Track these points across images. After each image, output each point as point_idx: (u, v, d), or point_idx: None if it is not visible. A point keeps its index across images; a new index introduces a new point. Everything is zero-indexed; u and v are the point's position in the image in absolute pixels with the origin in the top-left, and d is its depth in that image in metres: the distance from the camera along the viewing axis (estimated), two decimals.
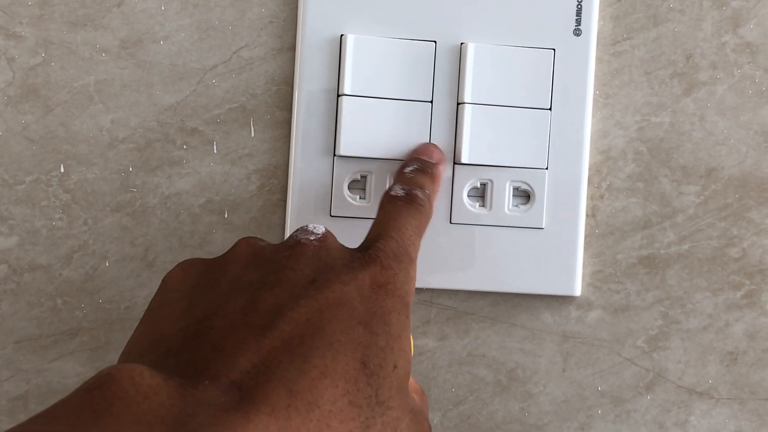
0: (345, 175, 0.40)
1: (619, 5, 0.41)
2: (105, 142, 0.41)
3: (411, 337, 0.33)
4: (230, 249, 0.31)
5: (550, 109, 0.40)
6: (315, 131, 0.40)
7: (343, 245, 0.31)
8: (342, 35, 0.40)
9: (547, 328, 0.42)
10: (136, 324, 0.30)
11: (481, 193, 0.41)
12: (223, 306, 0.27)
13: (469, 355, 0.42)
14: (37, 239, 0.41)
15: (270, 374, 0.25)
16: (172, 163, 0.41)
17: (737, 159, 0.42)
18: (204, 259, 0.31)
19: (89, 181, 0.41)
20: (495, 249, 0.41)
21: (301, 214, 0.40)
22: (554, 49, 0.40)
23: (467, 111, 0.40)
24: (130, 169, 0.41)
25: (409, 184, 0.35)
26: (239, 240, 0.31)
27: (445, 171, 0.40)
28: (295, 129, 0.40)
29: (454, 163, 0.40)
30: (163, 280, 0.31)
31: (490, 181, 0.40)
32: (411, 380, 0.33)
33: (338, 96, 0.40)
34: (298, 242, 0.30)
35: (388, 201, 0.34)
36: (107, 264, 0.41)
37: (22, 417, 0.41)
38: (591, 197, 0.42)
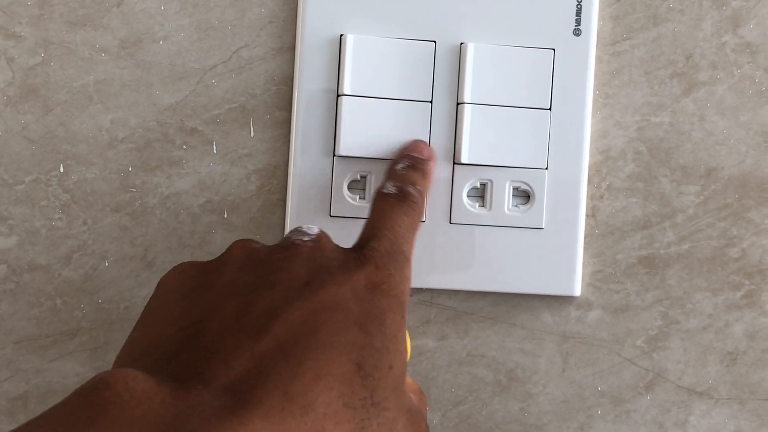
0: (345, 175, 0.40)
1: (618, 5, 0.41)
2: (104, 142, 0.40)
3: (408, 336, 0.33)
4: (225, 251, 0.31)
5: (549, 109, 0.40)
6: (315, 131, 0.40)
7: (337, 245, 0.31)
8: (342, 35, 0.40)
9: (547, 328, 0.42)
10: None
11: (480, 193, 0.41)
12: (217, 309, 0.27)
13: (469, 355, 0.42)
14: (36, 239, 0.41)
15: (264, 378, 0.25)
16: (171, 163, 0.41)
17: (737, 159, 0.42)
18: (199, 262, 0.31)
19: (89, 181, 0.41)
20: (495, 249, 0.41)
21: (300, 214, 0.40)
22: (554, 49, 0.40)
23: (467, 111, 0.40)
24: (130, 169, 0.41)
25: (401, 181, 0.35)
26: (234, 242, 0.31)
27: (441, 169, 0.40)
28: (294, 129, 0.40)
29: (454, 163, 0.40)
30: (158, 283, 0.31)
31: (490, 181, 0.40)
32: (409, 380, 0.33)
33: (338, 96, 0.40)
34: (292, 244, 0.30)
35: (380, 199, 0.34)
36: (107, 264, 0.41)
37: (22, 417, 0.41)
38: (591, 197, 0.42)
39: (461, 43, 0.40)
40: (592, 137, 0.41)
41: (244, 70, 0.41)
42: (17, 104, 0.40)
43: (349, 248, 0.31)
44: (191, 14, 0.40)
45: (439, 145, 0.40)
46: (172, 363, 0.26)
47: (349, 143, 0.39)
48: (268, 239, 0.41)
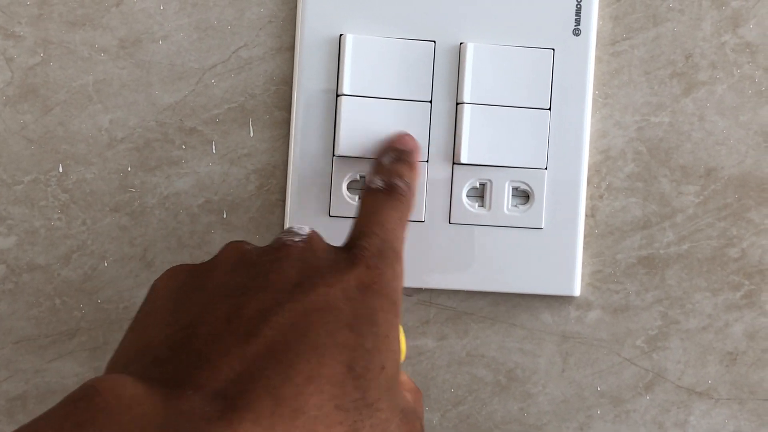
0: (344, 175, 0.40)
1: (618, 5, 0.41)
2: (104, 141, 0.40)
3: (402, 335, 0.33)
4: (217, 253, 0.31)
5: (549, 109, 0.40)
6: (314, 131, 0.40)
7: (328, 245, 0.31)
8: (341, 35, 0.40)
9: (547, 328, 0.42)
10: None
11: (480, 193, 0.41)
12: (208, 313, 0.27)
13: (469, 355, 0.42)
14: (35, 239, 0.41)
15: (254, 382, 0.24)
16: (170, 163, 0.41)
17: (737, 159, 0.42)
18: (191, 265, 0.31)
19: (88, 181, 0.41)
20: (494, 249, 0.41)
21: (299, 214, 0.40)
22: (553, 49, 0.40)
23: (466, 111, 0.40)
24: (129, 169, 0.41)
25: (388, 175, 0.34)
26: (225, 244, 0.31)
27: (440, 169, 0.40)
28: (294, 129, 0.40)
29: (453, 163, 0.40)
30: (151, 287, 0.31)
31: (490, 181, 0.40)
32: (405, 378, 0.33)
33: (337, 96, 0.40)
34: (283, 245, 0.30)
35: (368, 194, 0.33)
36: (106, 264, 0.41)
37: (21, 417, 0.41)
38: (590, 197, 0.42)
39: (461, 43, 0.40)
40: (591, 137, 0.41)
41: (243, 70, 0.41)
42: (16, 104, 0.40)
43: (340, 247, 0.31)
44: (190, 14, 0.40)
45: (438, 145, 0.40)
46: (163, 368, 0.25)
47: (349, 143, 0.39)
48: (268, 239, 0.41)
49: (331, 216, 0.40)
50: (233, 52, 0.41)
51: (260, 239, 0.41)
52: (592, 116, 0.41)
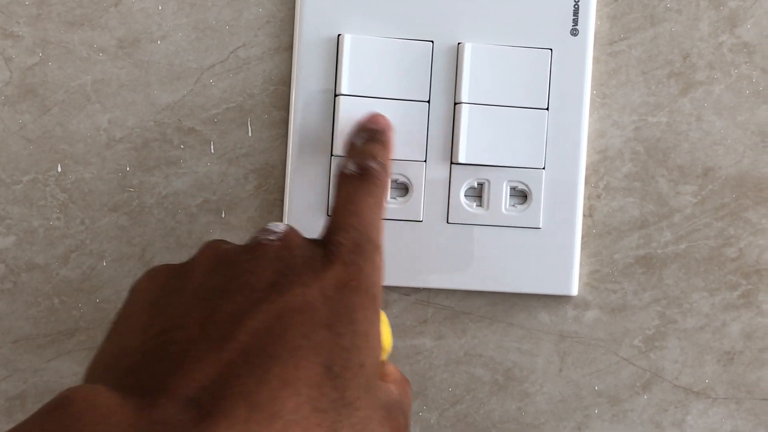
0: None
1: (616, 5, 0.41)
2: (102, 141, 0.41)
3: (387, 326, 0.32)
4: (196, 254, 0.30)
5: (547, 108, 0.40)
6: (312, 131, 0.40)
7: (305, 241, 0.30)
8: (339, 35, 0.40)
9: (544, 328, 0.42)
10: None
11: (478, 193, 0.41)
12: (184, 317, 0.27)
13: (466, 355, 0.42)
14: (34, 239, 0.41)
15: (228, 388, 0.24)
16: (169, 162, 0.41)
17: (734, 159, 0.42)
18: (170, 266, 0.30)
19: (86, 181, 0.41)
20: (492, 249, 0.41)
21: (298, 214, 0.40)
22: (551, 49, 0.40)
23: (464, 111, 0.40)
24: (128, 168, 0.41)
25: (361, 157, 0.34)
26: (203, 244, 0.31)
27: (438, 169, 0.40)
28: (292, 129, 0.40)
29: (451, 163, 0.40)
30: (130, 290, 0.30)
31: (487, 180, 0.40)
32: (391, 369, 0.32)
33: (335, 96, 0.40)
34: (258, 244, 0.29)
35: (342, 180, 0.33)
36: (104, 263, 0.41)
37: (20, 416, 0.41)
38: (588, 197, 0.42)
39: (458, 43, 0.40)
40: (589, 137, 0.41)
41: (241, 70, 0.41)
42: (15, 104, 0.40)
43: (318, 241, 0.30)
44: (189, 14, 0.40)
45: (436, 144, 0.40)
46: (137, 376, 0.25)
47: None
48: None
49: (330, 216, 0.40)
50: (231, 52, 0.41)
51: None
52: (590, 116, 0.41)
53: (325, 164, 0.40)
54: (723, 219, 0.42)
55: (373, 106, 0.39)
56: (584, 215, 0.42)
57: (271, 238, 0.29)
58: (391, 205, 0.40)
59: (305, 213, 0.40)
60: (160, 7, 0.40)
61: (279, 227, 0.30)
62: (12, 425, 0.41)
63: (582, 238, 0.41)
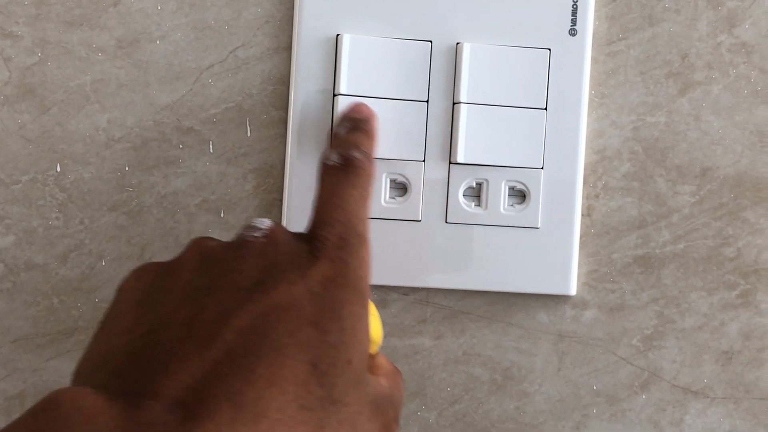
0: None
1: (614, 5, 0.41)
2: (101, 141, 0.41)
3: (377, 319, 0.32)
4: (182, 251, 0.30)
5: (545, 108, 0.40)
6: (311, 131, 0.40)
7: (291, 236, 0.30)
8: (338, 35, 0.40)
9: (543, 328, 0.42)
10: None
11: (476, 193, 0.41)
12: (170, 317, 0.27)
13: (465, 354, 0.42)
14: (33, 238, 0.41)
15: (214, 388, 0.24)
16: (168, 162, 0.41)
17: (732, 159, 0.42)
18: (157, 264, 0.30)
19: (85, 181, 0.41)
20: (491, 248, 0.41)
21: (297, 214, 0.40)
22: (550, 49, 0.40)
23: (463, 111, 0.40)
24: (127, 168, 0.41)
25: (345, 147, 0.33)
26: (190, 241, 0.30)
27: (437, 169, 0.40)
28: (291, 128, 0.40)
29: (450, 163, 0.40)
30: (117, 289, 0.30)
31: (486, 180, 0.40)
32: (382, 361, 0.32)
33: (334, 96, 0.40)
34: (244, 241, 0.29)
35: (325, 172, 0.32)
36: (103, 263, 0.41)
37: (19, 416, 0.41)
38: (586, 197, 0.42)
39: (457, 43, 0.40)
40: (587, 137, 0.41)
41: (240, 70, 0.41)
42: (14, 104, 0.40)
43: (303, 236, 0.30)
44: (188, 14, 0.40)
45: (435, 144, 0.40)
46: (123, 377, 0.25)
47: None
48: None
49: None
50: (230, 52, 0.41)
51: None
52: (588, 116, 0.41)
53: None
54: (721, 219, 0.42)
55: (372, 105, 0.39)
56: (583, 215, 0.42)
57: (256, 234, 0.29)
58: (390, 204, 0.40)
59: (304, 212, 0.40)
60: (159, 7, 0.40)
61: (264, 223, 0.30)
62: None
63: (580, 237, 0.42)
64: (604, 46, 0.41)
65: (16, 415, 0.41)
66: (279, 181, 0.41)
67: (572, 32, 0.40)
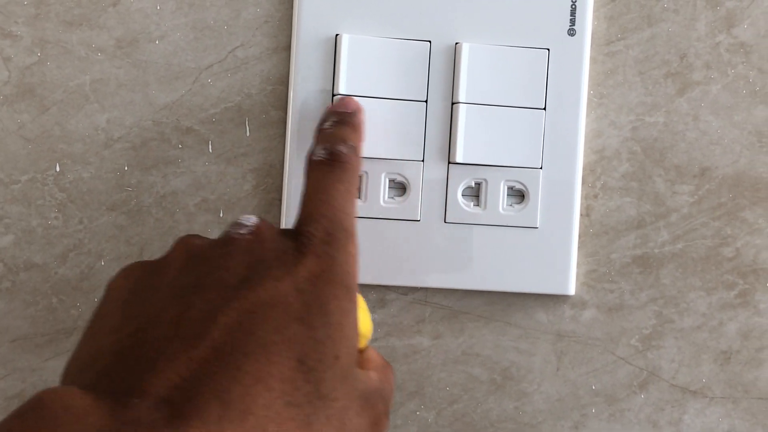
0: None
1: (613, 5, 0.41)
2: (100, 141, 0.41)
3: (366, 312, 0.31)
4: (170, 249, 0.30)
5: (544, 108, 0.40)
6: (310, 131, 0.40)
7: (277, 233, 0.30)
8: (337, 35, 0.40)
9: (542, 327, 0.42)
10: None
11: (475, 193, 0.41)
12: (158, 315, 0.27)
13: (464, 354, 0.42)
14: (32, 238, 0.41)
15: (201, 386, 0.24)
16: (167, 162, 0.41)
17: (731, 159, 0.42)
18: (144, 263, 0.30)
19: (85, 180, 0.41)
20: (489, 248, 0.41)
21: (296, 213, 0.40)
22: (548, 49, 0.40)
23: (462, 111, 0.40)
24: (126, 168, 0.41)
25: (331, 141, 0.33)
26: (177, 240, 0.31)
27: (436, 169, 0.40)
28: (290, 128, 0.40)
29: (449, 163, 0.40)
30: (105, 288, 0.30)
31: (485, 180, 0.41)
32: (372, 354, 0.32)
33: (333, 96, 0.40)
34: (230, 238, 0.29)
35: (312, 168, 0.32)
36: (103, 263, 0.41)
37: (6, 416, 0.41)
38: (585, 197, 0.42)
39: (456, 43, 0.40)
40: (586, 137, 0.41)
41: (239, 70, 0.41)
42: (13, 103, 0.40)
43: (290, 232, 0.30)
44: (187, 14, 0.40)
45: (433, 144, 0.40)
46: (111, 376, 0.25)
47: None
48: None
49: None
50: (230, 52, 0.41)
51: None
52: (587, 116, 0.41)
53: None
54: (720, 219, 0.42)
55: (371, 105, 0.39)
56: (581, 215, 0.42)
57: (242, 232, 0.29)
58: (389, 204, 0.40)
59: None
60: (158, 7, 0.40)
61: (250, 220, 0.30)
62: None
63: (579, 237, 0.42)
64: (603, 46, 0.41)
65: None
66: (278, 180, 0.41)
67: (571, 32, 0.40)
